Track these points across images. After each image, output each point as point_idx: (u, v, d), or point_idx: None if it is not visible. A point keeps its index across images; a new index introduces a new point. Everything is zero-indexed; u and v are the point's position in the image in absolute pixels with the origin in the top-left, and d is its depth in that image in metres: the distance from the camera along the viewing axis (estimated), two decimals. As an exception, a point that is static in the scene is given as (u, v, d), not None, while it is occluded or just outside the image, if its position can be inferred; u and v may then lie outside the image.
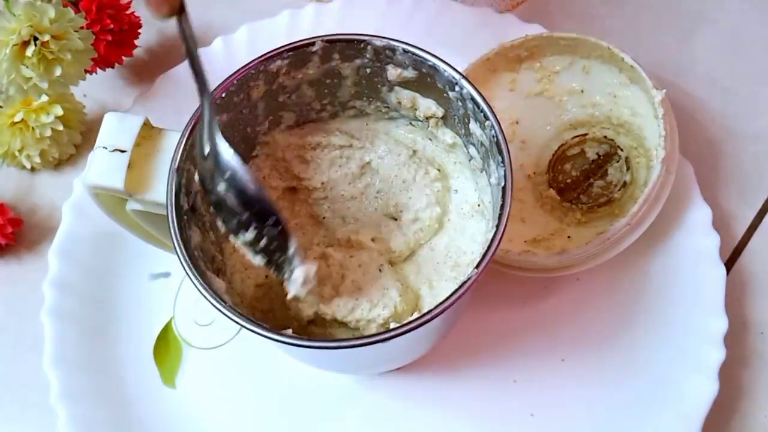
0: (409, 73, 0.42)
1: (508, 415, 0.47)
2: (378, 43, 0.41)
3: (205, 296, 0.36)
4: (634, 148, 0.50)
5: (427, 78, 0.41)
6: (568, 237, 0.49)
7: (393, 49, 0.41)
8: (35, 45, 0.48)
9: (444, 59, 0.40)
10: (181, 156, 0.38)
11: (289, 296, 0.38)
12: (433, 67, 0.40)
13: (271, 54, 0.41)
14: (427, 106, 0.43)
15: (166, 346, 0.49)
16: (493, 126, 0.39)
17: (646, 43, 0.57)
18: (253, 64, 0.40)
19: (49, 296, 0.49)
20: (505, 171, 0.38)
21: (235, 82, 0.40)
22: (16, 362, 0.50)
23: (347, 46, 0.41)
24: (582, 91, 0.51)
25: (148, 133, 0.40)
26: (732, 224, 0.52)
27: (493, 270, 0.47)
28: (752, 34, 0.57)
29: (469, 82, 0.40)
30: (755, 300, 0.50)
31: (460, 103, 0.41)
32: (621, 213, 0.48)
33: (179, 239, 0.37)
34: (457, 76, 0.40)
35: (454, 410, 0.47)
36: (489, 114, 0.39)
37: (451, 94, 0.41)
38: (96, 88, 0.56)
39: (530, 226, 0.50)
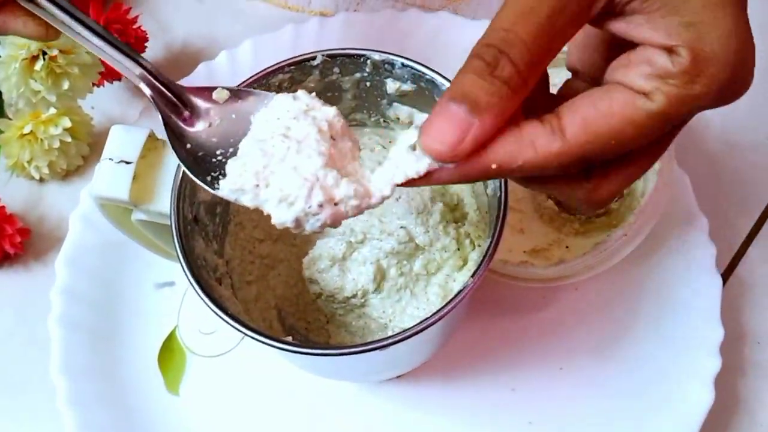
0: (408, 87, 0.43)
1: (506, 423, 0.48)
2: (377, 57, 0.42)
3: (207, 304, 0.37)
4: (631, 159, 0.51)
5: (425, 91, 0.42)
6: (567, 247, 0.50)
7: (392, 63, 0.42)
8: (44, 59, 0.49)
9: (442, 73, 0.41)
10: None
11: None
12: (431, 81, 0.41)
13: (273, 68, 0.42)
14: (424, 119, 0.44)
15: (170, 353, 0.50)
16: None
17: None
18: (254, 78, 0.41)
19: (56, 304, 0.50)
20: (500, 182, 0.39)
21: (237, 95, 0.41)
22: (24, 368, 0.51)
23: (347, 60, 0.42)
24: (580, 104, 0.51)
25: (153, 144, 0.41)
26: (729, 234, 0.52)
27: (491, 280, 0.47)
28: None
29: (466, 95, 0.40)
30: (752, 310, 0.51)
31: None
32: (618, 224, 0.48)
33: (182, 249, 0.38)
34: None
35: (454, 417, 0.48)
36: (486, 127, 0.40)
37: None
38: (103, 101, 0.58)
39: (529, 237, 0.51)
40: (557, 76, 0.51)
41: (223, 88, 0.35)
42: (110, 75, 0.55)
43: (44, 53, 0.49)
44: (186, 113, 0.34)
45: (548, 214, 0.51)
